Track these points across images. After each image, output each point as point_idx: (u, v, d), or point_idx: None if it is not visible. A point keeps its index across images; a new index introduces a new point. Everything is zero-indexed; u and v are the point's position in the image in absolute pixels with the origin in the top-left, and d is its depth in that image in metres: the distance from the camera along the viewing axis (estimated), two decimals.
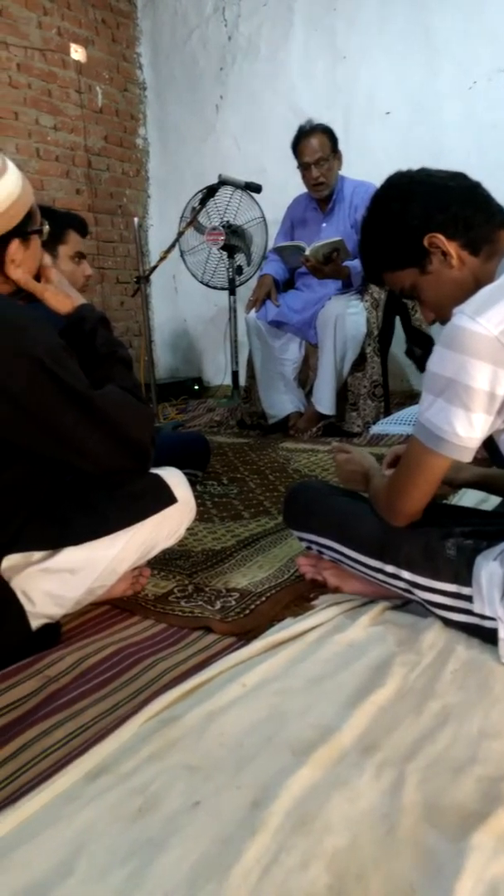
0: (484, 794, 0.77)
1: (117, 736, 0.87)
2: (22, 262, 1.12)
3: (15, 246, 1.10)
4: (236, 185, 3.29)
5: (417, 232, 1.04)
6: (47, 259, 1.22)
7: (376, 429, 2.92)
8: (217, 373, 4.18)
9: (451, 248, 1.04)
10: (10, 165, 1.09)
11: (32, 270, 1.17)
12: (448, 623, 1.12)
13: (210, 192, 3.19)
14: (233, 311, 3.64)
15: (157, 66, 4.32)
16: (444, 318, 1.03)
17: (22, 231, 1.11)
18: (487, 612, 1.04)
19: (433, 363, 0.97)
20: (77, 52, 3.85)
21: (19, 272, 1.12)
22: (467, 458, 0.98)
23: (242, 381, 3.41)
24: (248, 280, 3.59)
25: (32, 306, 1.20)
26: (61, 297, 1.21)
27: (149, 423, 1.16)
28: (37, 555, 1.09)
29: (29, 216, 1.12)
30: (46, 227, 1.17)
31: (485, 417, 0.94)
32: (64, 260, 1.86)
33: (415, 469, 1.04)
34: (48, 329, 1.05)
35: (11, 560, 1.06)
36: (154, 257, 3.37)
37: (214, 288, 3.77)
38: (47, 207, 2.13)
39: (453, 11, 3.31)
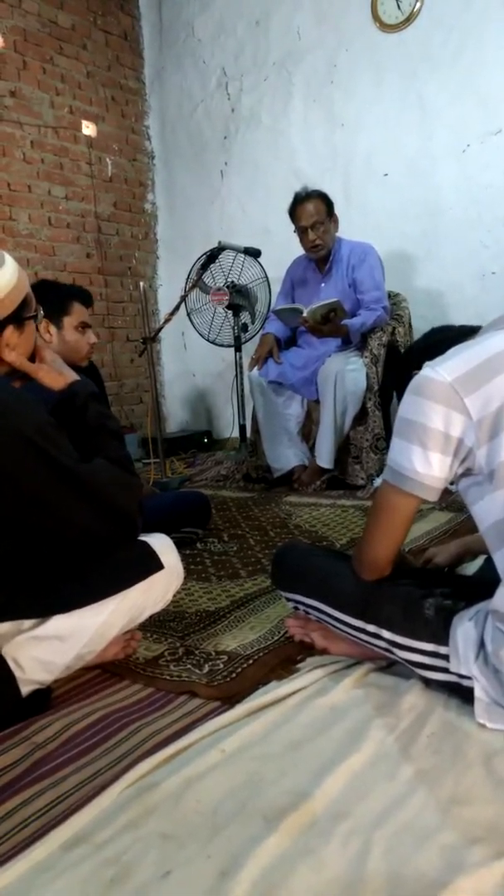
0: (447, 862, 0.79)
1: (96, 804, 0.90)
2: (17, 345, 1.21)
3: (10, 331, 1.18)
4: (236, 250, 3.42)
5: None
6: (41, 340, 1.31)
7: (379, 481, 2.96)
8: (226, 426, 4.25)
9: None
10: (7, 258, 1.18)
11: (27, 352, 1.25)
12: (429, 682, 1.15)
13: (211, 257, 3.32)
14: (239, 367, 3.74)
15: (165, 137, 4.54)
16: None
17: (17, 317, 1.19)
18: (463, 672, 1.07)
19: (400, 409, 1.07)
20: (88, 128, 4.08)
21: (14, 355, 1.20)
22: (430, 496, 1.04)
23: (249, 434, 3.48)
24: (252, 337, 3.69)
25: (29, 385, 1.28)
26: (54, 374, 1.29)
27: (135, 493, 1.22)
28: (26, 623, 1.13)
29: (24, 303, 1.20)
30: (41, 313, 1.26)
31: (440, 457, 1.01)
32: (69, 330, 1.96)
33: (381, 511, 1.11)
34: (36, 407, 1.12)
35: (2, 628, 1.11)
36: (164, 316, 3.48)
37: (220, 345, 3.88)
38: (52, 282, 2.24)
39: (444, 79, 3.46)
